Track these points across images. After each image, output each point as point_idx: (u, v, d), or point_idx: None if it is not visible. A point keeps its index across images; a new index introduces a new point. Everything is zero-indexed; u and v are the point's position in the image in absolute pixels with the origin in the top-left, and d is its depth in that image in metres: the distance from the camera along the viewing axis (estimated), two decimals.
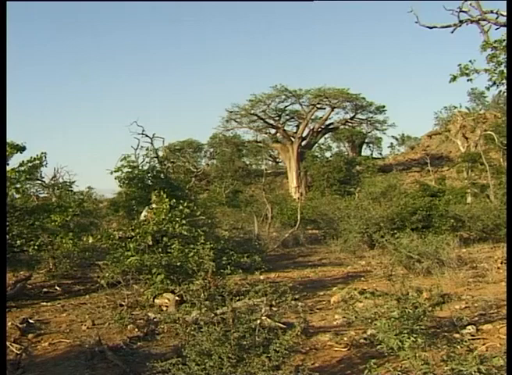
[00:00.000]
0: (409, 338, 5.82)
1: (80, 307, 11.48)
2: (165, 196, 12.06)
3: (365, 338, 7.75)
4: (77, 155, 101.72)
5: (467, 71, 10.32)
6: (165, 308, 10.46)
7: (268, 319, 7.57)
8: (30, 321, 10.34)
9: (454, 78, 10.68)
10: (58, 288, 13.89)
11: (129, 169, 14.60)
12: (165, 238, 11.37)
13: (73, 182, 27.59)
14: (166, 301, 10.71)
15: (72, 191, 26.05)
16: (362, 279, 13.71)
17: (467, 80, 10.57)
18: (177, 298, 10.21)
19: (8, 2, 8.02)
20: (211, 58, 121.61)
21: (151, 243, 11.44)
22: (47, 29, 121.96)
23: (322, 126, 56.41)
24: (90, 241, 13.31)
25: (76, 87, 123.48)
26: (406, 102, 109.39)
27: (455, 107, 50.78)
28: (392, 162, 59.31)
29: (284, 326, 7.45)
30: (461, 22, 10.72)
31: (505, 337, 7.49)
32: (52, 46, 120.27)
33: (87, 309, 11.03)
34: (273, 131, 57.21)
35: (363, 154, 61.98)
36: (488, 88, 10.60)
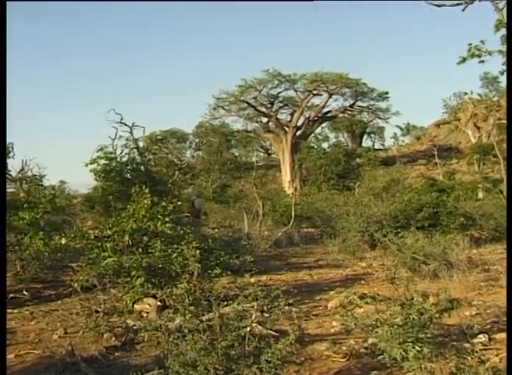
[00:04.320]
0: (414, 348, 5.83)
1: (51, 314, 11.40)
2: (146, 191, 12.02)
3: (366, 348, 7.77)
4: (48, 145, 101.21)
5: (478, 52, 10.33)
6: (145, 315, 10.44)
7: (259, 327, 7.57)
8: None
9: (464, 60, 10.70)
10: (26, 293, 13.78)
11: (106, 162, 14.48)
12: (145, 237, 11.33)
13: (44, 176, 27.36)
14: (147, 306, 10.69)
15: (42, 185, 25.86)
16: (362, 282, 13.76)
17: (479, 62, 10.60)
18: (159, 303, 10.19)
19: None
20: (196, 40, 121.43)
21: (130, 243, 11.41)
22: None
23: (319, 115, 56.53)
24: (62, 242, 13.23)
25: (46, 68, 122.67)
26: (411, 88, 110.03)
27: (465, 93, 50.89)
28: (396, 154, 59.68)
29: (277, 334, 7.45)
30: None
31: None
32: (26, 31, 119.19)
33: (59, 316, 10.96)
34: (265, 120, 57.28)
35: (364, 145, 62.48)
36: (502, 73, 10.63)
